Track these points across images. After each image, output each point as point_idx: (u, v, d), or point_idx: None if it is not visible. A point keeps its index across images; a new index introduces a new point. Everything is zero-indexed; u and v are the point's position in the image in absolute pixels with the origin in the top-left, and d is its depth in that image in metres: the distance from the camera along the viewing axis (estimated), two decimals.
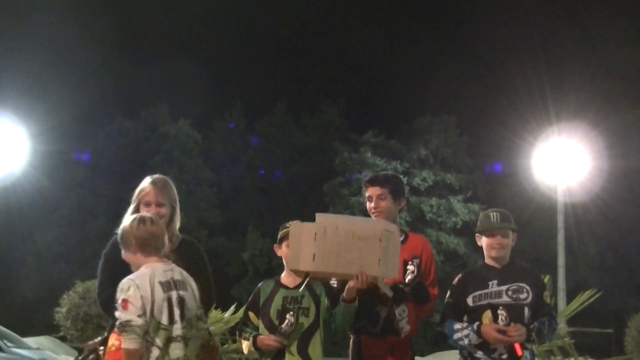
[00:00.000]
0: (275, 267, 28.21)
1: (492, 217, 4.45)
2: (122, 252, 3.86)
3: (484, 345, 4.27)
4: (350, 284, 4.16)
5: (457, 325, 4.35)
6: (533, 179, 24.44)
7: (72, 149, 38.32)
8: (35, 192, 33.31)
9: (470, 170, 37.88)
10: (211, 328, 5.34)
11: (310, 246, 4.07)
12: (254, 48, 45.45)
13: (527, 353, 4.32)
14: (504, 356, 4.27)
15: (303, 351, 4.33)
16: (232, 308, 8.79)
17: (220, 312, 8.65)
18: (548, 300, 4.52)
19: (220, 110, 41.83)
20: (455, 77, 36.66)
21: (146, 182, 4.35)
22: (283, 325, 4.29)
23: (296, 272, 4.27)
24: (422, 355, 20.53)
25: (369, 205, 4.66)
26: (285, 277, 4.51)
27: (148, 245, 3.78)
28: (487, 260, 4.49)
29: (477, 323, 4.29)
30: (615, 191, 31.00)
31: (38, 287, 34.97)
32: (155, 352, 3.61)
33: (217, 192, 39.80)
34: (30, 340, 17.66)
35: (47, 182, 33.67)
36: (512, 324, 4.24)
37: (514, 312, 4.29)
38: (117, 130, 40.16)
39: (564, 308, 11.12)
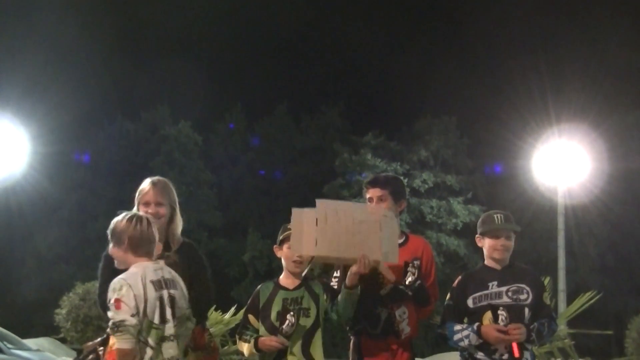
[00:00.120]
0: (275, 268, 28.16)
1: (496, 218, 4.44)
2: (110, 245, 3.80)
3: (485, 345, 4.27)
4: (353, 269, 4.18)
5: (458, 327, 4.34)
6: (533, 181, 24.45)
7: (73, 151, 38.36)
8: (35, 194, 33.31)
9: (470, 172, 37.81)
10: (211, 329, 5.34)
11: (312, 231, 4.09)
12: (255, 49, 45.49)
13: (527, 354, 4.32)
14: (505, 356, 4.26)
15: (305, 352, 4.32)
16: (232, 309, 8.82)
17: (221, 313, 8.67)
18: (548, 301, 4.52)
19: (221, 112, 41.89)
20: (456, 78, 36.68)
21: (146, 183, 4.41)
22: (284, 326, 4.29)
23: (299, 259, 4.33)
24: (423, 356, 20.49)
25: None
26: (284, 279, 4.50)
27: (140, 247, 3.73)
28: (487, 262, 4.49)
29: (477, 324, 4.28)
30: (615, 193, 30.96)
31: (38, 288, 34.89)
32: (149, 351, 3.58)
33: (218, 194, 39.77)
34: (30, 342, 17.66)
35: (47, 184, 33.67)
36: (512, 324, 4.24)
37: (515, 312, 4.29)
38: (118, 132, 40.13)
39: (565, 310, 11.11)
